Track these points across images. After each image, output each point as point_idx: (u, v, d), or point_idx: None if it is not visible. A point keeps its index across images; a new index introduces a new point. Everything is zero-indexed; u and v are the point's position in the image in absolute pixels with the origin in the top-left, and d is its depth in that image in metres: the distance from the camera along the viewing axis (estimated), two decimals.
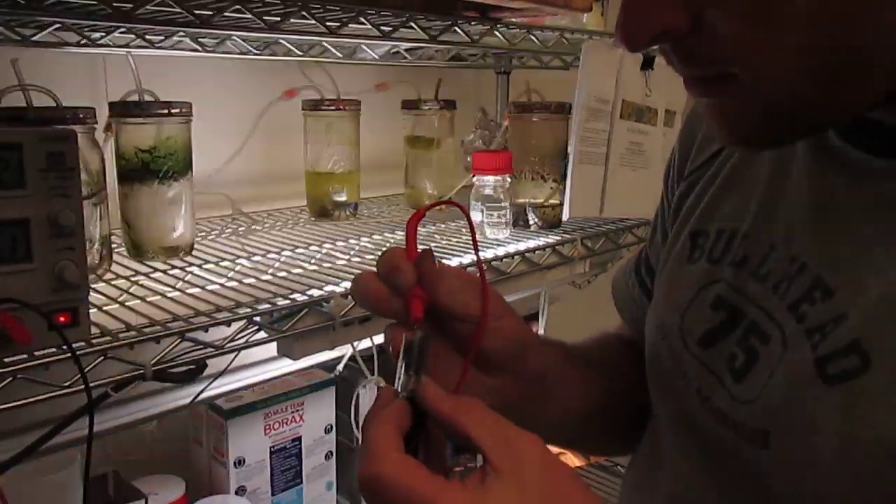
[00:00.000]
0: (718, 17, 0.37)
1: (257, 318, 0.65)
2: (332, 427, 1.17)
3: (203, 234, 1.00)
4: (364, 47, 0.95)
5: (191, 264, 0.84)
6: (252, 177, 1.16)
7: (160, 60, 0.94)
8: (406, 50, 1.00)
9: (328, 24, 0.65)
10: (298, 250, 0.92)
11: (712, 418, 0.48)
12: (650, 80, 1.05)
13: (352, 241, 0.98)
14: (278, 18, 0.62)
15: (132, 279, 0.79)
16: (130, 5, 0.54)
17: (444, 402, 0.41)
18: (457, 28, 0.74)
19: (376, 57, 0.96)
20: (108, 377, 0.57)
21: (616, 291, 0.71)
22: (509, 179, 0.99)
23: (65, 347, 0.53)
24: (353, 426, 1.18)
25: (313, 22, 0.63)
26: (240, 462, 1.06)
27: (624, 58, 1.00)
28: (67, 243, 0.54)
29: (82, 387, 0.54)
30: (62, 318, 0.54)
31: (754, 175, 0.52)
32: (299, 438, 1.13)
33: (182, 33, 0.80)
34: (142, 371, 0.58)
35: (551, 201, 1.06)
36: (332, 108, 1.07)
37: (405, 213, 1.18)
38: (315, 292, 0.73)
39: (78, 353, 0.54)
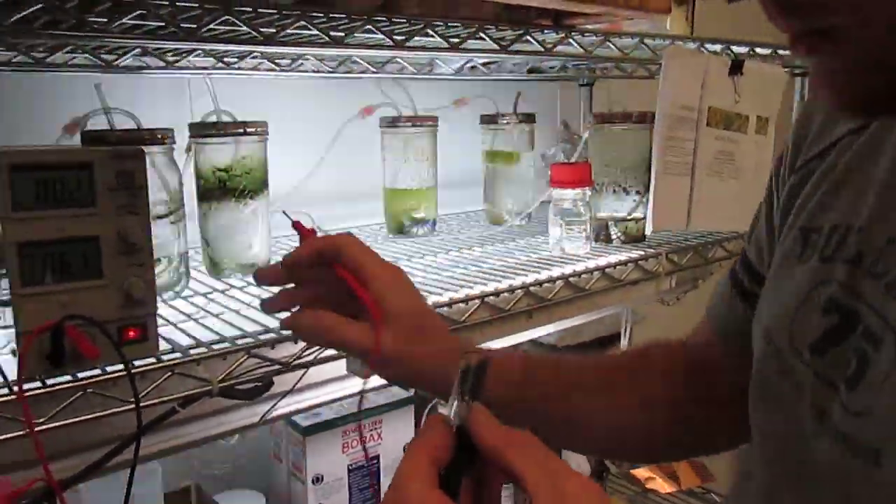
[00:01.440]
0: None
1: None
2: None
3: (281, 251, 1.00)
4: (439, 62, 0.94)
5: None
6: (330, 195, 1.16)
7: (239, 81, 0.96)
8: (483, 63, 0.99)
9: (395, 37, 0.64)
10: None
11: (824, 433, 0.43)
12: (739, 85, 0.99)
13: (429, 257, 0.97)
14: (343, 34, 0.62)
15: (208, 296, 0.80)
16: (195, 25, 0.55)
17: (494, 433, 0.39)
18: (530, 37, 0.72)
19: (451, 71, 0.95)
20: (177, 392, 0.58)
21: (710, 303, 0.67)
22: (589, 192, 0.95)
23: (132, 363, 0.53)
24: None
25: (380, 36, 0.62)
26: (318, 479, 1.06)
27: (710, 63, 0.95)
28: (136, 260, 0.54)
29: (150, 402, 0.55)
30: (131, 334, 0.55)
31: (872, 169, 0.47)
32: (377, 457, 1.12)
33: (257, 54, 0.81)
34: (209, 388, 0.57)
35: (634, 215, 1.01)
36: (410, 124, 1.06)
37: (484, 230, 1.16)
38: None
39: (146, 368, 0.55)
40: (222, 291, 0.81)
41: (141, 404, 0.54)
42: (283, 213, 0.63)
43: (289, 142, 0.92)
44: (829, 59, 0.37)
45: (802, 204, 0.52)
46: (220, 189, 0.83)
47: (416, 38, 0.65)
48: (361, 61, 0.87)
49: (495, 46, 0.71)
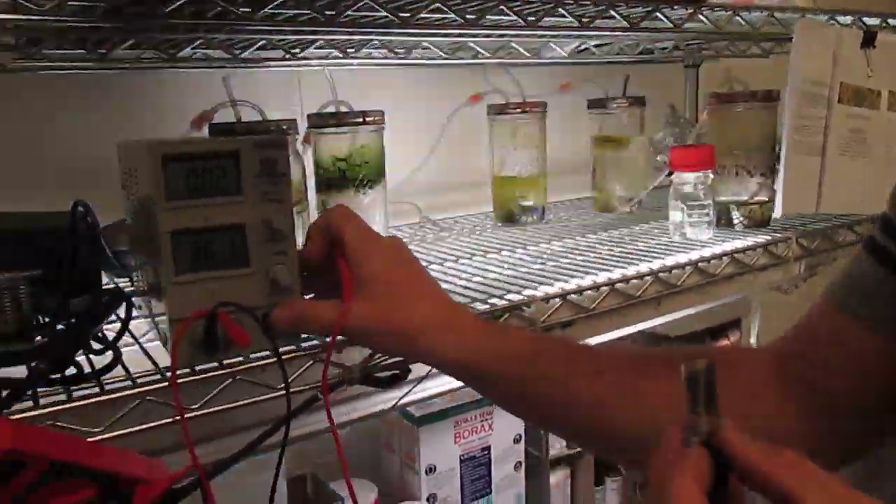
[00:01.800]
0: None
1: None
2: (521, 437, 1.14)
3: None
4: (552, 45, 0.92)
5: None
6: (437, 184, 1.16)
7: (349, 73, 0.96)
8: (595, 46, 0.96)
9: (527, 17, 0.62)
10: (490, 255, 0.90)
11: None
12: (871, 59, 0.93)
13: (543, 245, 0.95)
14: (474, 16, 0.60)
15: None
16: (333, 11, 0.54)
17: (757, 453, 0.35)
18: (659, 14, 0.69)
19: (564, 54, 0.93)
20: (317, 380, 0.58)
21: (839, 293, 0.56)
22: (711, 175, 0.91)
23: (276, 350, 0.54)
24: (543, 436, 1.14)
25: (511, 17, 0.61)
26: (431, 469, 1.06)
27: (842, 36, 0.90)
28: (280, 247, 0.55)
29: (295, 389, 0.55)
30: None
31: None
32: (489, 448, 1.11)
33: (376, 42, 0.80)
34: (350, 375, 0.57)
35: (758, 198, 0.97)
36: (518, 110, 1.05)
37: (593, 218, 1.13)
38: (514, 297, 0.71)
39: (291, 356, 0.55)
40: None
41: (285, 391, 0.55)
42: None
43: (398, 131, 0.92)
44: None
45: None
46: (339, 178, 0.83)
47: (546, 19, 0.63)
48: (475, 46, 0.86)
49: (624, 24, 0.68)
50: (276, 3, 0.51)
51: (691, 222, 0.92)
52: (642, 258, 0.83)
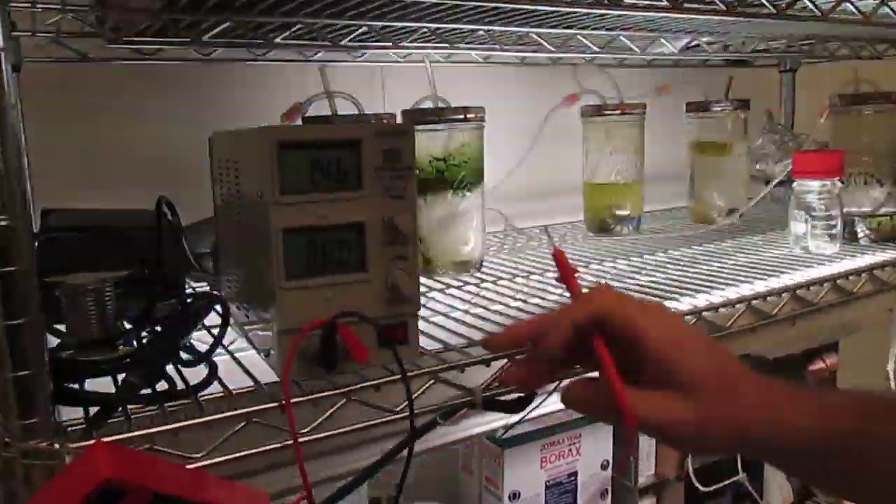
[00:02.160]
0: None
1: None
2: (608, 463, 1.06)
3: (494, 248, 0.95)
4: (663, 41, 0.84)
5: (483, 280, 0.78)
6: (523, 190, 1.09)
7: (439, 68, 0.90)
8: (707, 42, 0.88)
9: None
10: (592, 266, 0.83)
11: None
12: None
13: (647, 256, 0.87)
14: None
15: (427, 295, 0.74)
16: None
17: None
18: (807, 0, 0.62)
19: (675, 50, 0.85)
20: (433, 403, 0.51)
21: None
22: (839, 184, 0.83)
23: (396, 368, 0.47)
24: (632, 465, 1.06)
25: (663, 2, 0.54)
26: (515, 496, 0.99)
27: None
28: (401, 251, 0.48)
29: (409, 413, 0.48)
30: (395, 335, 0.48)
31: None
32: (575, 473, 1.03)
33: (482, 32, 0.74)
34: (471, 398, 0.50)
35: (886, 209, 0.88)
36: (617, 112, 0.97)
37: (693, 229, 1.05)
38: None
39: (413, 374, 0.48)
40: (441, 291, 0.75)
41: (403, 414, 0.48)
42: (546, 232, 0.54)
43: (489, 134, 0.85)
44: None
45: None
46: (436, 180, 0.77)
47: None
48: (585, 40, 0.79)
49: (771, 10, 0.61)
50: None
51: (815, 234, 0.84)
52: (768, 273, 0.75)
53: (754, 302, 0.66)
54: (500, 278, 0.78)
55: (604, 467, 1.06)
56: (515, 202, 1.09)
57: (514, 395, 0.52)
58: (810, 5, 0.64)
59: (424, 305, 0.71)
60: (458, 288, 0.75)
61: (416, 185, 0.48)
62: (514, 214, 1.07)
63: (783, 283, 0.70)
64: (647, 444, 1.10)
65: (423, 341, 0.58)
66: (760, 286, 0.70)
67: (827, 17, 0.65)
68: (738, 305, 0.64)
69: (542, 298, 0.72)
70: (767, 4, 0.60)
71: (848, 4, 0.67)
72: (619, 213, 1.00)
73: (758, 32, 0.88)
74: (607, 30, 0.78)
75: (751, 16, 0.61)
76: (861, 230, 0.89)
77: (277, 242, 0.45)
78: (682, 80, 1.12)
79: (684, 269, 0.81)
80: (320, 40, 0.66)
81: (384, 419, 0.47)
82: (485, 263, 0.85)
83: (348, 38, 0.70)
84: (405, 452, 0.47)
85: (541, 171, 1.09)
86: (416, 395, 0.49)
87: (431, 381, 0.50)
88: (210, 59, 0.78)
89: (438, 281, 0.78)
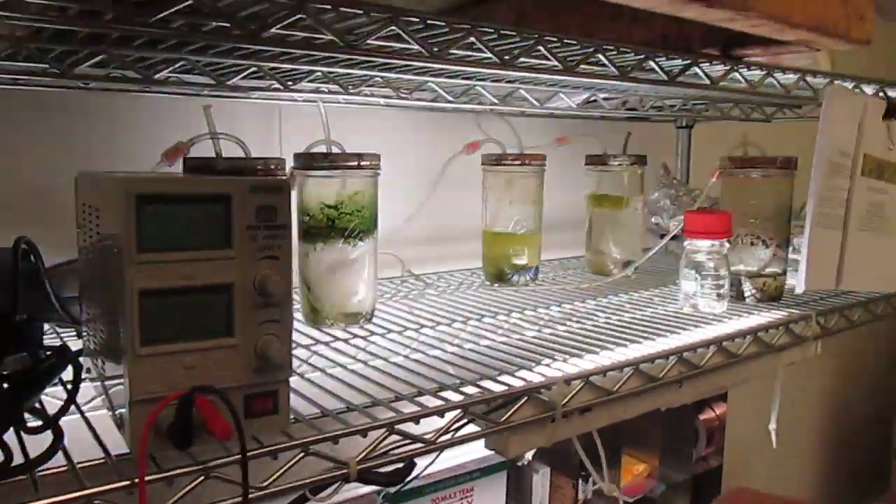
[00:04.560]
0: None
1: (473, 409, 0.54)
2: None
3: (387, 295, 0.92)
4: (562, 96, 0.84)
5: (372, 333, 0.75)
6: (421, 236, 1.07)
7: (339, 112, 0.87)
8: (604, 99, 0.89)
9: (568, 61, 0.55)
10: (486, 319, 0.81)
11: None
12: (893, 131, 0.89)
13: (541, 309, 0.87)
14: (508, 57, 0.52)
15: (312, 348, 0.70)
16: (355, 37, 0.46)
17: None
18: (697, 69, 0.63)
19: (573, 105, 0.86)
20: (305, 477, 0.47)
21: None
22: (728, 244, 0.85)
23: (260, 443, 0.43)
24: None
25: (551, 62, 0.53)
26: None
27: (867, 105, 0.85)
28: (273, 314, 0.45)
29: (279, 487, 0.45)
30: (261, 406, 0.45)
31: None
32: None
33: (379, 79, 0.72)
34: (345, 471, 0.47)
35: (770, 270, 0.90)
36: (517, 163, 0.97)
37: (589, 280, 1.05)
38: (525, 374, 0.62)
39: (277, 447, 0.45)
40: (326, 343, 0.72)
41: (271, 489, 0.44)
42: None
43: (387, 177, 0.83)
44: None
45: None
46: (327, 227, 0.74)
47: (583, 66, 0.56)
48: (485, 91, 0.78)
49: (663, 77, 0.61)
50: (282, 24, 0.42)
51: (704, 293, 0.85)
52: (657, 332, 0.76)
53: (642, 365, 0.65)
54: (391, 330, 0.76)
55: None
56: (415, 247, 1.07)
57: (392, 467, 0.49)
58: (701, 73, 0.65)
59: (306, 361, 0.67)
60: (346, 341, 0.72)
61: (290, 244, 0.45)
62: (412, 259, 1.05)
63: (670, 345, 0.70)
64: (539, 496, 1.08)
65: (301, 404, 0.55)
66: (649, 347, 0.70)
67: (716, 84, 0.66)
68: (626, 369, 0.64)
69: (438, 349, 0.70)
70: (659, 71, 0.61)
71: (736, 74, 0.68)
72: (516, 262, 1.00)
73: (654, 93, 0.90)
74: (507, 82, 0.78)
75: (643, 81, 0.62)
76: (748, 289, 0.91)
77: (133, 305, 0.41)
78: (582, 132, 1.14)
79: (579, 322, 0.81)
80: (206, 77, 0.63)
81: (251, 496, 0.43)
82: (379, 311, 0.82)
83: (239, 77, 0.66)
84: None
85: (442, 216, 1.08)
86: (285, 468, 0.46)
87: (302, 455, 0.46)
88: (90, 88, 0.73)
89: (326, 333, 0.75)
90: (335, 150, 0.76)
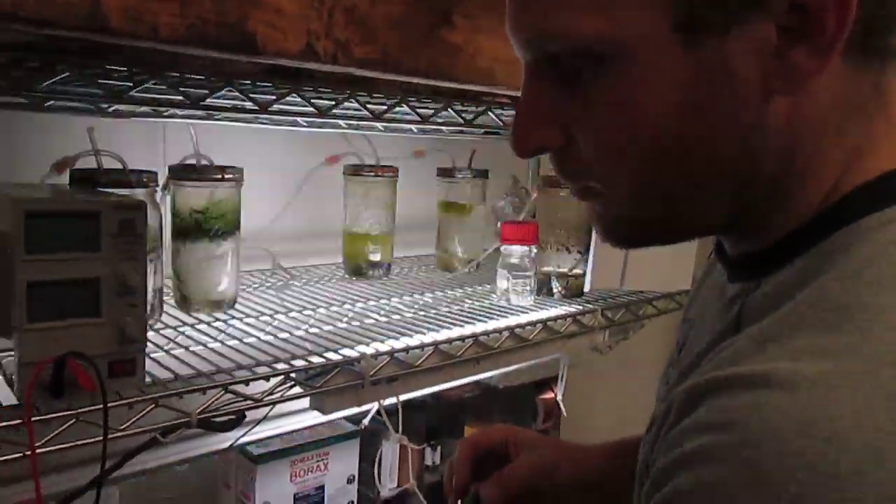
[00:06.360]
0: (582, 140, 0.44)
1: (293, 375, 0.71)
2: (354, 478, 1.21)
3: (245, 286, 1.06)
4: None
5: (233, 317, 0.90)
6: (292, 234, 1.23)
7: (215, 128, 1.02)
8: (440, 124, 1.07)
9: (374, 108, 0.72)
10: (333, 308, 0.98)
11: None
12: None
13: (383, 300, 1.04)
14: (332, 102, 0.69)
15: (179, 329, 0.85)
16: (206, 91, 0.61)
17: None
18: (490, 113, 0.81)
19: (414, 131, 1.03)
20: (156, 423, 0.63)
21: None
22: (535, 250, 1.04)
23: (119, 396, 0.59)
24: (376, 478, 1.22)
25: (361, 109, 0.70)
26: None
27: None
28: (131, 301, 0.60)
29: (134, 431, 0.60)
30: (121, 368, 0.60)
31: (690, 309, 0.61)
32: (322, 487, 1.17)
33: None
34: (187, 419, 0.63)
35: (575, 271, 1.10)
36: (372, 173, 1.14)
37: (436, 275, 1.23)
38: (347, 352, 0.79)
39: (132, 400, 0.60)
40: (192, 326, 0.86)
41: (128, 432, 0.60)
42: None
43: (259, 184, 0.98)
44: (596, 206, 0.48)
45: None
46: (194, 228, 0.88)
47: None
48: (338, 119, 0.94)
49: (460, 120, 0.79)
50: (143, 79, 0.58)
51: (515, 290, 1.04)
52: (467, 321, 0.94)
53: (442, 346, 0.83)
54: (249, 315, 0.91)
55: (350, 481, 1.21)
56: (282, 242, 1.22)
57: (226, 417, 0.65)
58: (493, 116, 0.83)
59: (173, 340, 0.82)
60: (209, 324, 0.87)
61: (145, 248, 0.60)
62: (281, 253, 1.21)
63: (475, 330, 0.89)
64: (389, 461, 1.26)
65: (159, 371, 0.70)
66: (456, 332, 0.88)
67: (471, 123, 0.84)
68: (426, 348, 0.82)
69: (286, 332, 0.86)
70: (455, 115, 0.78)
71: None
72: (372, 259, 1.17)
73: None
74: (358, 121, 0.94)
75: (449, 123, 0.79)
76: (556, 287, 1.11)
77: (22, 293, 0.56)
78: (436, 147, 1.31)
79: (412, 310, 0.98)
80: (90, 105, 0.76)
81: (111, 436, 0.59)
82: (246, 299, 0.98)
83: (118, 105, 0.80)
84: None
85: (310, 216, 1.24)
86: (138, 417, 0.61)
87: (153, 406, 0.62)
88: None
89: (194, 317, 0.90)
90: (204, 162, 0.91)
